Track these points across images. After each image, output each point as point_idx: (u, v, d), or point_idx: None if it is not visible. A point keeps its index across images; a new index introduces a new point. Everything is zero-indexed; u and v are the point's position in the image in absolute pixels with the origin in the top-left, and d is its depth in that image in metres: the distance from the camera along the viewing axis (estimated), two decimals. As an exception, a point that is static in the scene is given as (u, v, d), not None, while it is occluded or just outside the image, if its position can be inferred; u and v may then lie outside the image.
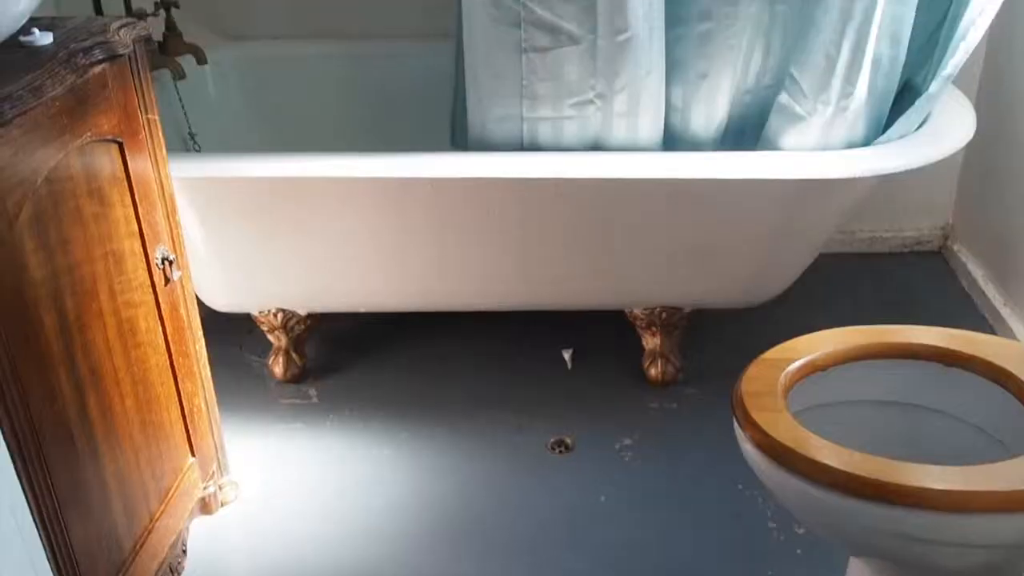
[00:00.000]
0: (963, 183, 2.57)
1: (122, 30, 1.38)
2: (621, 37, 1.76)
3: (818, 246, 2.05)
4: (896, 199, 2.56)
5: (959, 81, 1.90)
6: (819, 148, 1.88)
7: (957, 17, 1.79)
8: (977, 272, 2.46)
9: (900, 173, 1.79)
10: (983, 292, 2.40)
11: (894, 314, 2.32)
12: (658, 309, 2.08)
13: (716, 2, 1.81)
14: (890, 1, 1.75)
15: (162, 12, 2.13)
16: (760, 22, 1.86)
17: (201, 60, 2.20)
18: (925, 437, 1.46)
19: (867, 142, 1.89)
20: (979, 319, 2.37)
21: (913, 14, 1.79)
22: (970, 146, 1.95)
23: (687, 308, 2.09)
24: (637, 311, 2.10)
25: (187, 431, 1.68)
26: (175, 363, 1.61)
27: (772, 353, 1.43)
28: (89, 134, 1.32)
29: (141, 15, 2.00)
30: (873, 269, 2.61)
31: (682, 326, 2.13)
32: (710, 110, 1.91)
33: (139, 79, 1.45)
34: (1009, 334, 2.24)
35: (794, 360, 1.41)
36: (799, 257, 2.05)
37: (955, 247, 2.60)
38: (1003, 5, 1.77)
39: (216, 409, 1.78)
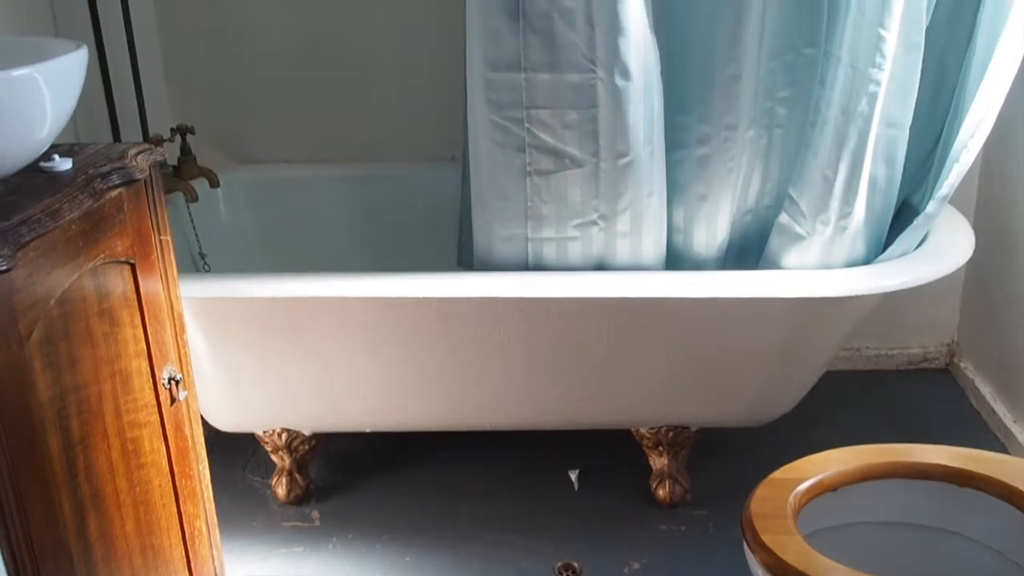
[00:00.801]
0: (966, 300, 2.59)
1: (139, 156, 1.42)
2: (622, 161, 1.80)
3: (823, 364, 2.05)
4: (900, 317, 2.57)
5: (956, 199, 1.94)
6: (820, 267, 1.90)
7: (950, 140, 1.84)
8: (985, 389, 2.45)
9: (902, 291, 1.81)
10: (992, 410, 2.39)
11: (903, 432, 2.30)
12: (664, 428, 2.07)
13: (714, 127, 1.86)
14: (884, 124, 1.81)
15: (178, 137, 2.20)
16: (757, 146, 1.91)
17: (214, 183, 2.26)
18: (939, 560, 1.43)
19: (867, 261, 1.92)
20: (990, 437, 2.35)
21: (907, 137, 1.84)
22: (971, 264, 1.97)
23: (694, 427, 2.08)
24: (643, 430, 2.09)
25: (187, 555, 1.65)
26: (178, 485, 1.60)
27: (781, 473, 1.42)
28: (103, 256, 1.34)
29: (158, 141, 2.07)
30: (880, 386, 2.60)
31: (689, 445, 2.11)
32: (711, 230, 1.94)
33: (154, 202, 1.48)
34: (1020, 452, 2.22)
35: (803, 480, 1.40)
36: (805, 375, 2.05)
37: (962, 364, 2.59)
38: (995, 125, 1.81)
39: (217, 532, 1.76)
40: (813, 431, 2.25)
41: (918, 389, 2.59)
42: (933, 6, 1.79)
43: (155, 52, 2.37)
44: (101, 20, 2.00)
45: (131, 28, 2.09)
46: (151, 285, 1.49)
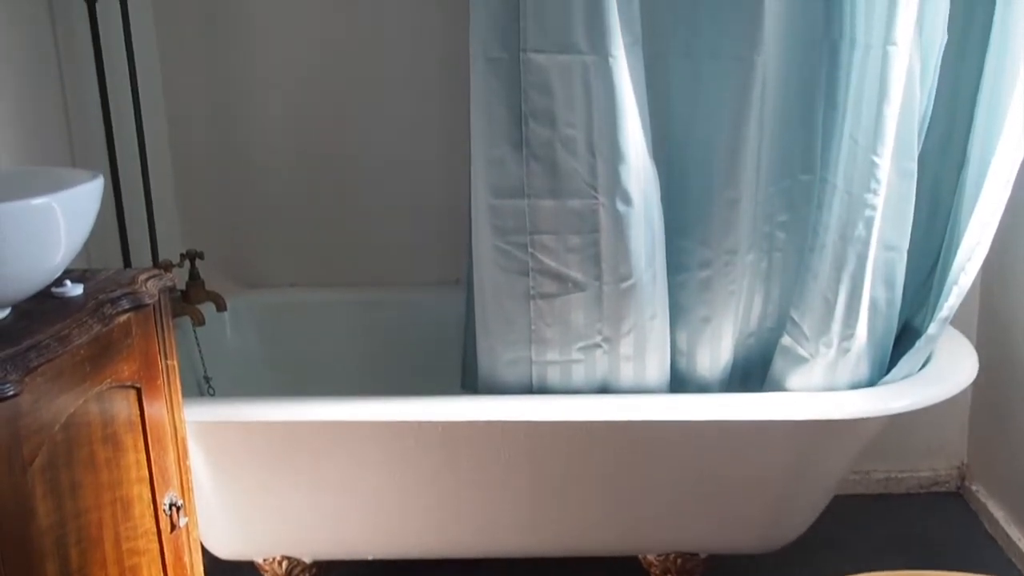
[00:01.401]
0: (975, 422, 2.57)
1: (149, 281, 1.45)
2: (625, 284, 1.83)
3: (832, 488, 2.03)
4: (908, 439, 2.55)
5: (958, 320, 1.95)
6: (825, 389, 1.90)
7: (948, 263, 1.87)
8: (998, 513, 2.41)
9: (907, 413, 1.80)
10: (1006, 534, 2.34)
11: (916, 558, 2.25)
12: (673, 555, 2.03)
13: (715, 250, 1.89)
14: (882, 248, 1.83)
15: (187, 262, 2.23)
16: (758, 269, 1.94)
17: (221, 307, 2.28)
18: None
19: (872, 383, 1.92)
20: (1005, 563, 2.30)
21: (905, 260, 1.87)
22: (977, 384, 1.97)
23: (703, 554, 2.04)
24: (651, 557, 2.05)
25: None
26: (175, 614, 1.56)
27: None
28: (109, 380, 1.35)
29: (167, 266, 2.10)
30: (891, 510, 2.56)
31: (698, 572, 2.06)
32: (715, 353, 1.95)
33: (161, 327, 1.50)
34: (1038, 579, 2.17)
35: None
36: (813, 499, 2.02)
37: (973, 487, 2.56)
38: (992, 247, 1.84)
39: (214, 664, 1.71)
40: (824, 557, 2.20)
41: (930, 513, 2.55)
42: (924, 134, 1.84)
43: (168, 179, 2.43)
44: (117, 149, 2.06)
45: (146, 157, 2.15)
46: (156, 409, 1.49)
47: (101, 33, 1.99)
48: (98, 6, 1.98)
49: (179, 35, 2.38)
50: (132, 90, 2.10)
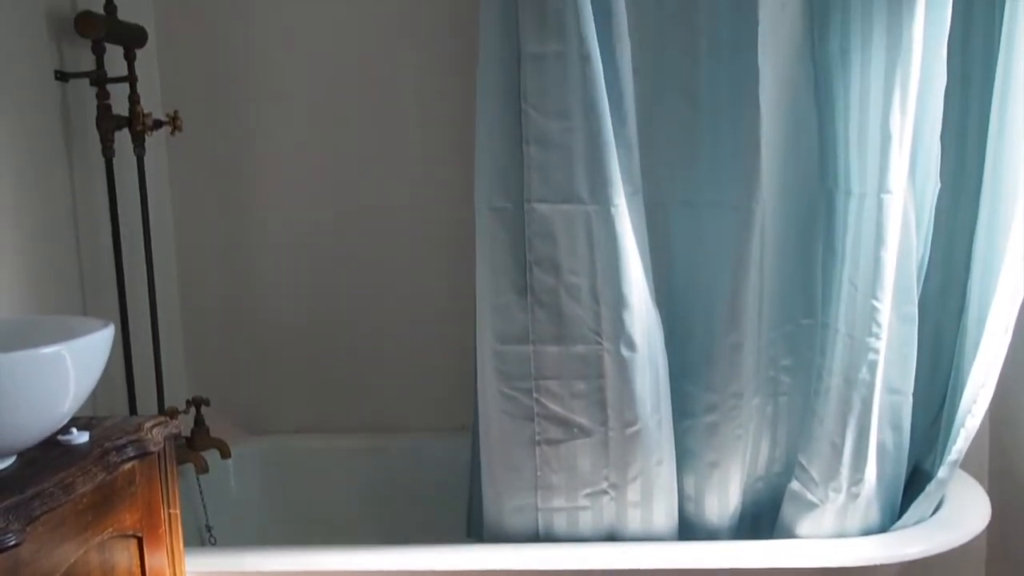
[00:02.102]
0: (991, 568, 2.50)
1: (155, 429, 1.45)
2: (631, 430, 1.82)
3: (848, 639, 1.96)
4: (925, 587, 2.48)
5: (968, 463, 1.94)
6: (835, 535, 1.86)
7: (953, 406, 1.87)
8: (1023, 667, 2.32)
9: (921, 559, 1.77)
10: None
11: None
12: None
13: (720, 395, 1.90)
14: (887, 391, 1.84)
15: (193, 409, 2.24)
16: (764, 413, 1.94)
17: (225, 454, 2.27)
18: None
19: (883, 528, 1.89)
20: None
21: (911, 402, 1.87)
22: (991, 529, 1.93)
23: None
24: None
25: None
26: None
27: None
28: (111, 529, 1.34)
29: (173, 413, 2.11)
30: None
31: None
32: (723, 498, 1.93)
33: (165, 475, 1.50)
34: None
35: None
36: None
37: (995, 639, 2.47)
38: (1000, 388, 1.84)
39: None
40: None
41: (953, 667, 2.45)
42: (923, 279, 1.87)
43: (176, 325, 2.47)
44: (127, 296, 2.10)
45: (155, 304, 2.19)
46: (157, 560, 1.47)
47: (117, 184, 2.06)
48: (115, 161, 2.06)
49: (192, 189, 2.46)
50: (145, 241, 2.15)
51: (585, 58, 1.71)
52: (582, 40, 1.70)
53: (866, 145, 1.78)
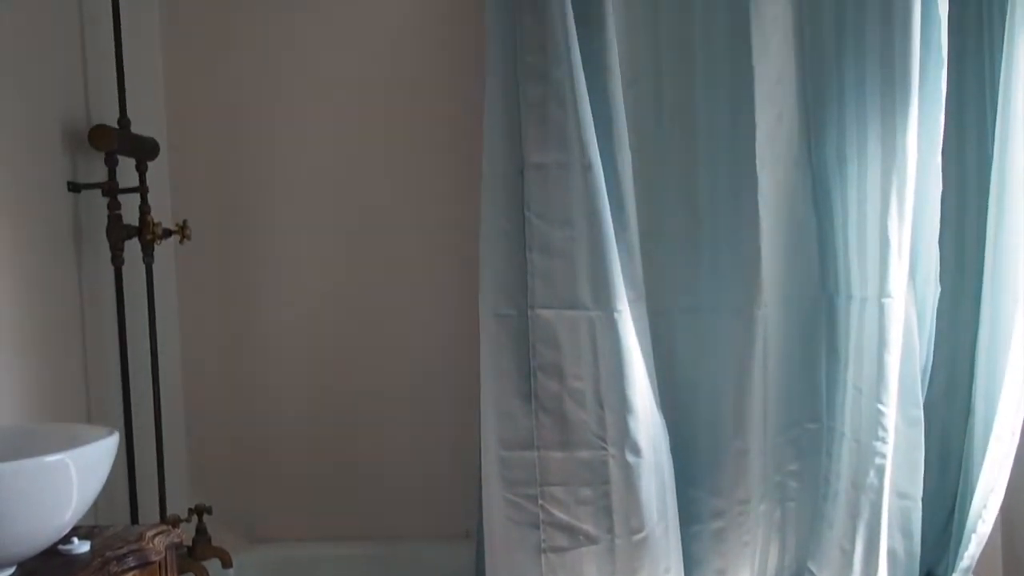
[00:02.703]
0: None
1: (156, 538, 1.44)
2: (637, 536, 1.80)
3: None
4: None
5: (982, 566, 1.90)
6: (850, 647, 1.82)
7: (964, 511, 1.85)
8: None
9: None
10: None
11: None
12: None
13: (727, 500, 1.88)
14: (895, 496, 1.82)
15: (195, 517, 2.21)
16: (772, 519, 1.91)
17: (227, 564, 2.23)
18: None
19: (899, 639, 1.84)
20: None
21: (920, 507, 1.84)
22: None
23: None
24: None
25: None
26: None
27: None
28: (108, 646, 1.31)
29: (175, 522, 2.08)
30: None
31: None
32: (733, 608, 1.89)
33: (166, 585, 1.47)
34: None
35: None
36: None
37: None
38: (1011, 491, 1.82)
39: None
40: None
41: None
42: (928, 382, 1.88)
43: (180, 433, 2.45)
44: (132, 403, 2.10)
45: (160, 413, 2.18)
46: (154, 676, 1.43)
47: (125, 292, 2.08)
48: (124, 268, 2.08)
49: (198, 296, 2.48)
50: (151, 350, 2.16)
51: (587, 167, 1.75)
52: (584, 150, 1.74)
53: (865, 250, 1.81)
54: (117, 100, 2.10)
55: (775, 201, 1.84)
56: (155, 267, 2.19)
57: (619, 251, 1.79)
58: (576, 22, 1.71)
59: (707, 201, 1.90)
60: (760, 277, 1.82)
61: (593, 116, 1.74)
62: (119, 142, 2.04)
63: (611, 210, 1.78)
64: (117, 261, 2.07)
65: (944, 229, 1.84)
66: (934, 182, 1.80)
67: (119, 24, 2.12)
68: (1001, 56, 1.90)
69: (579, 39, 1.71)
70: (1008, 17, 1.88)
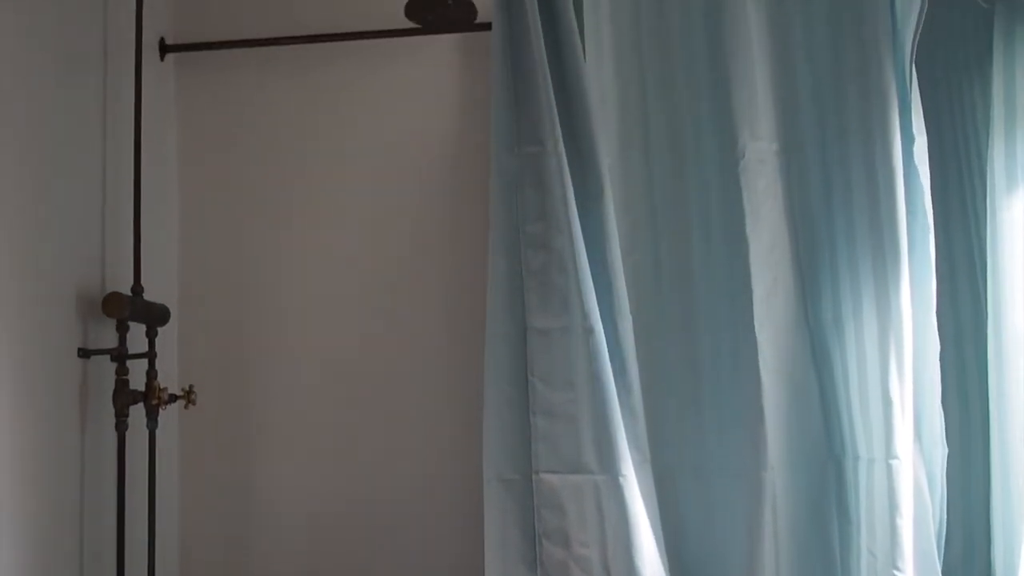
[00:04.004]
0: None
1: None
2: None
3: None
4: None
5: None
6: None
7: None
8: None
9: None
10: None
11: None
12: None
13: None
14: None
15: None
16: None
17: None
18: None
19: None
20: None
21: None
22: None
23: None
24: None
25: None
26: None
27: None
28: None
29: None
30: None
31: None
32: None
33: None
34: None
35: None
36: None
37: None
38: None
39: None
40: None
41: None
42: (944, 545, 1.83)
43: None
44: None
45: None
46: None
47: (127, 457, 2.08)
48: (128, 434, 2.08)
49: (200, 462, 2.46)
50: (149, 521, 2.14)
51: (589, 331, 1.77)
52: (585, 315, 1.77)
53: (868, 411, 1.81)
54: (132, 267, 2.16)
55: (775, 363, 1.86)
56: (158, 432, 2.19)
57: (623, 414, 1.80)
58: (576, 194, 1.77)
59: (708, 364, 1.91)
60: (765, 438, 1.82)
61: (594, 282, 1.78)
62: (131, 310, 2.08)
63: (613, 373, 1.79)
64: (121, 427, 2.07)
65: (947, 388, 1.85)
66: (932, 342, 1.82)
67: (139, 194, 2.21)
68: (986, 218, 1.97)
69: (579, 209, 1.78)
70: (988, 182, 1.96)
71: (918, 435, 1.81)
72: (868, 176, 1.81)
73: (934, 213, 1.82)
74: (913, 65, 1.84)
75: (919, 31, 1.83)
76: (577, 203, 1.78)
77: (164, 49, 2.53)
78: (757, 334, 1.83)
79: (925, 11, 1.82)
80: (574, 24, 1.83)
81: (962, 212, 2.06)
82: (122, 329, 2.08)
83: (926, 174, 1.82)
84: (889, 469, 1.77)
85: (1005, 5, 2.02)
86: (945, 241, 1.95)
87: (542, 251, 1.79)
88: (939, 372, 1.83)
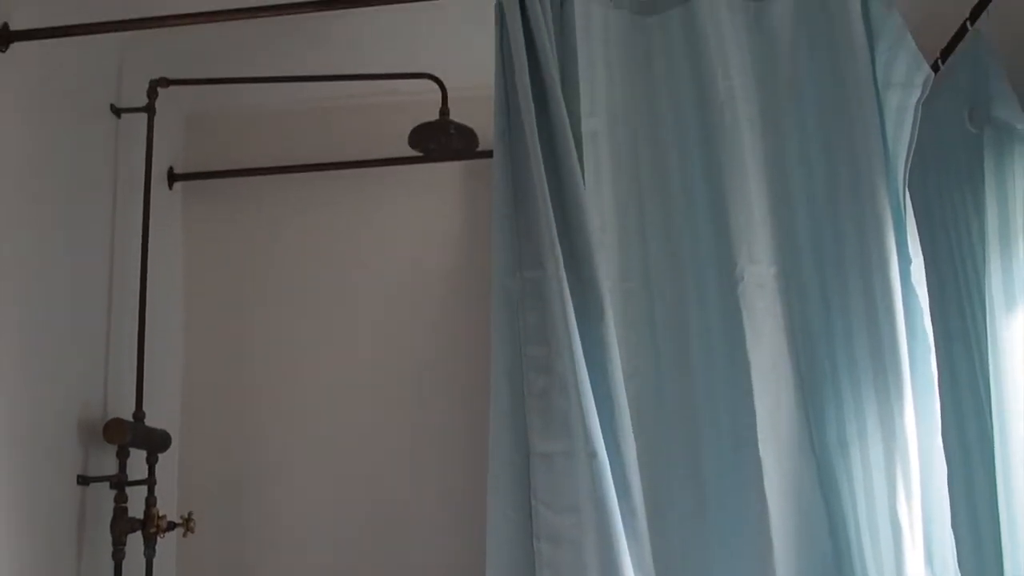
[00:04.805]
0: None
1: None
2: None
3: None
4: None
5: None
6: None
7: None
8: None
9: None
10: None
11: None
12: None
13: None
14: None
15: None
16: None
17: None
18: None
19: None
20: None
21: None
22: None
23: None
24: None
25: None
26: None
27: None
28: None
29: None
30: None
31: None
32: None
33: None
34: None
35: None
36: None
37: None
38: None
39: None
40: None
41: None
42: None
43: None
44: None
45: None
46: None
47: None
48: (124, 563, 2.05)
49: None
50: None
51: (591, 455, 1.75)
52: (588, 438, 1.75)
53: (878, 537, 1.77)
54: (135, 392, 2.17)
55: (781, 486, 1.83)
56: (156, 560, 2.15)
57: (627, 538, 1.76)
58: (577, 317, 1.78)
59: (713, 486, 1.88)
60: (774, 568, 1.77)
61: (596, 405, 1.77)
62: (132, 436, 2.08)
63: (617, 497, 1.76)
64: (118, 556, 2.04)
65: (956, 511, 1.82)
66: (938, 465, 1.80)
67: (144, 319, 2.23)
68: (987, 337, 1.97)
69: (580, 332, 1.78)
70: (987, 302, 1.98)
71: (929, 561, 1.77)
72: (867, 298, 1.82)
73: (934, 333, 1.83)
74: (906, 187, 1.88)
75: (911, 154, 1.86)
76: (578, 326, 1.78)
77: (173, 178, 2.60)
78: (761, 456, 1.80)
79: (915, 135, 1.86)
80: (573, 151, 1.87)
81: (962, 332, 2.07)
82: (122, 455, 2.07)
83: (924, 295, 1.83)
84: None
85: (994, 129, 2.07)
86: (947, 362, 1.96)
87: (544, 374, 1.78)
88: (947, 495, 1.80)
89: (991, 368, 1.95)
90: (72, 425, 2.00)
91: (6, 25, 1.89)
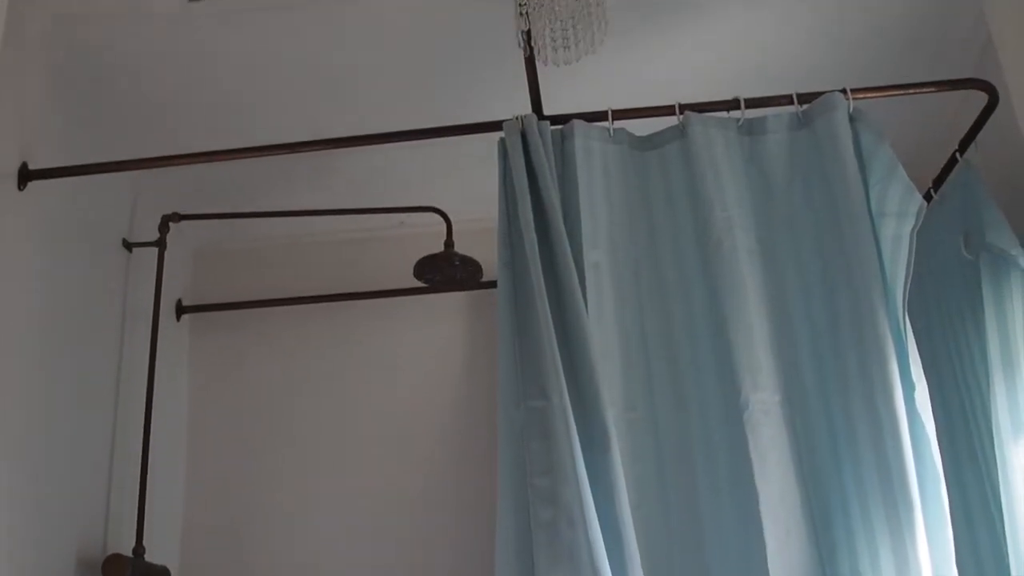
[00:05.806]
0: None
1: None
2: None
3: None
4: None
5: None
6: None
7: None
8: None
9: None
10: None
11: None
12: None
13: None
14: None
15: None
16: None
17: None
18: None
19: None
20: None
21: None
22: None
23: None
24: None
25: None
26: None
27: None
28: None
29: None
30: None
31: None
32: None
33: None
34: None
35: None
36: None
37: None
38: None
39: None
40: None
41: None
42: None
43: None
44: None
45: None
46: None
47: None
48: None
49: None
50: None
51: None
52: (595, 570, 1.72)
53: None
54: (135, 527, 2.14)
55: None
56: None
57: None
58: (582, 447, 1.78)
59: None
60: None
61: (603, 536, 1.74)
62: (132, 572, 2.04)
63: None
64: None
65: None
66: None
67: (147, 454, 2.22)
68: (996, 464, 1.95)
69: (586, 463, 1.77)
70: (994, 429, 1.96)
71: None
72: (872, 425, 1.81)
73: (943, 460, 1.81)
74: (906, 314, 1.89)
75: (908, 281, 1.88)
76: (584, 456, 1.77)
77: (180, 310, 2.63)
78: (773, 585, 1.77)
79: (912, 262, 1.88)
80: (576, 282, 1.89)
81: (971, 458, 2.05)
82: (121, 593, 2.03)
83: (930, 421, 1.82)
84: None
85: (989, 255, 2.10)
86: (958, 489, 1.93)
87: (550, 505, 1.76)
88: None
89: (1003, 497, 1.92)
90: (71, 561, 1.97)
91: (24, 164, 1.94)
